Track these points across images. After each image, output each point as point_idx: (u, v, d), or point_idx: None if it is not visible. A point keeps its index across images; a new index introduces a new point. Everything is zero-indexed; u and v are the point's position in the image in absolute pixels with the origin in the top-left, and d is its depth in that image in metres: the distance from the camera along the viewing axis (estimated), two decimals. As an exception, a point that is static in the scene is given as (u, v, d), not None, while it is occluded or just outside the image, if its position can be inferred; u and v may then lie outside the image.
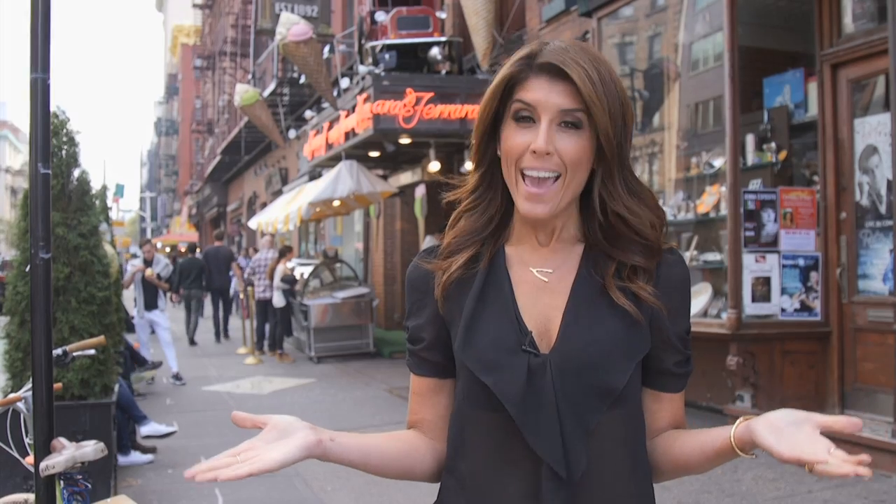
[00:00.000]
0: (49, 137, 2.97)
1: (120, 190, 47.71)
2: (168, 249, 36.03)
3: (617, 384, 1.47)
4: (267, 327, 15.06)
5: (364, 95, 11.55)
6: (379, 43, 12.30)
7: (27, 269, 3.56)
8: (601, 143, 1.45)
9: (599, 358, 1.45)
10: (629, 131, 1.49)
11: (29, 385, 3.31)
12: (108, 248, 7.40)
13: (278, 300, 14.41)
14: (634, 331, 1.49)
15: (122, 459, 6.86)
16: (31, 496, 3.44)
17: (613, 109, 1.44)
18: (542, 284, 1.53)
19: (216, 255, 18.16)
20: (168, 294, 13.13)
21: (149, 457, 7.17)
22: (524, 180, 1.46)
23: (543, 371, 1.44)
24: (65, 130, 5.72)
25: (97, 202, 6.91)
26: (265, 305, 14.92)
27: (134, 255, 14.02)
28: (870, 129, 6.72)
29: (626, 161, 1.50)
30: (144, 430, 7.62)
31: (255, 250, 21.19)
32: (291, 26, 12.21)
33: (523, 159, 1.45)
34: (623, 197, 1.50)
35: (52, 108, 3.10)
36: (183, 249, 22.62)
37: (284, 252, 14.86)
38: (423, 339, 1.59)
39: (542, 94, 1.44)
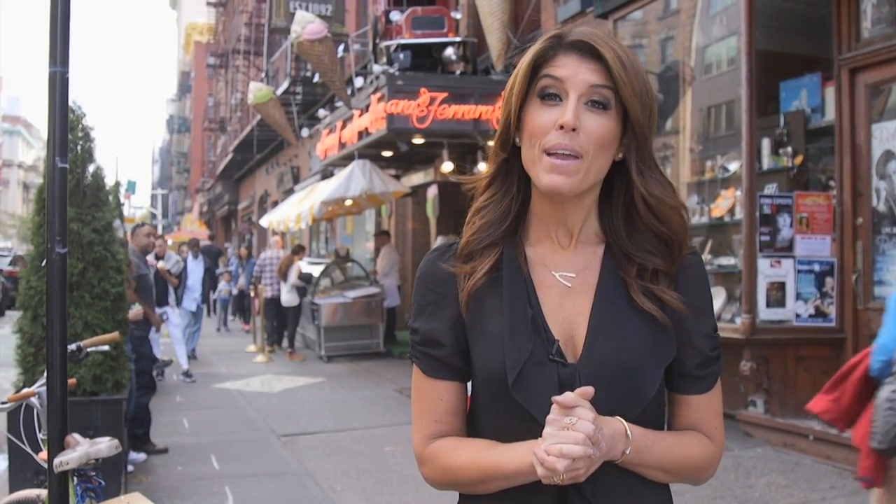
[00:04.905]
0: (67, 131, 2.96)
1: (132, 186, 47.68)
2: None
3: (648, 392, 1.44)
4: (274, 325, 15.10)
5: (378, 95, 11.53)
6: (393, 42, 12.27)
7: (42, 263, 3.56)
8: (629, 124, 1.44)
9: (629, 366, 1.43)
10: (654, 122, 1.48)
11: (43, 380, 3.30)
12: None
13: (290, 299, 14.40)
14: (661, 336, 1.47)
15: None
16: (44, 492, 3.43)
17: (643, 93, 1.43)
18: (565, 289, 1.50)
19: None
20: (177, 290, 13.07)
21: (142, 455, 7.14)
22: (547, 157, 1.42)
23: (573, 382, 1.40)
24: (81, 126, 5.72)
25: (111, 198, 6.91)
26: (274, 303, 14.97)
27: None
28: (887, 135, 6.67)
29: (651, 150, 1.49)
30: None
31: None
32: (306, 25, 12.20)
33: (548, 138, 1.41)
34: (654, 177, 1.48)
35: (69, 103, 3.08)
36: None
37: (297, 250, 14.85)
38: (442, 343, 1.53)
39: (571, 70, 1.42)
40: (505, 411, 1.46)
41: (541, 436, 1.35)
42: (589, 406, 1.33)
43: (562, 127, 1.40)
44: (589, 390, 1.34)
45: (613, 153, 1.46)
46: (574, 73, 1.42)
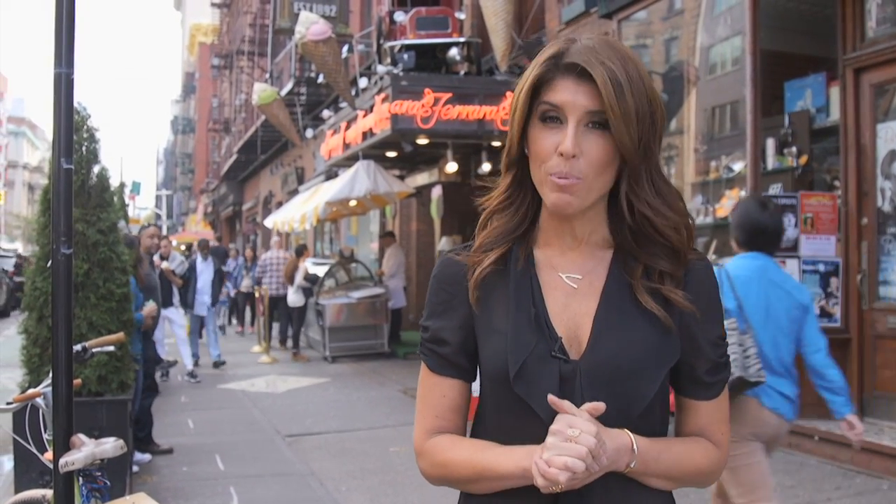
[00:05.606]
0: (72, 132, 2.97)
1: (136, 187, 47.83)
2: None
3: (648, 392, 1.45)
4: (275, 325, 15.11)
5: (382, 95, 11.53)
6: (398, 43, 12.28)
7: (48, 264, 3.57)
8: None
9: (631, 366, 1.43)
10: (658, 130, 1.46)
11: (48, 381, 3.31)
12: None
13: (295, 299, 14.40)
14: (665, 338, 1.47)
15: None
16: (49, 492, 3.43)
17: (641, 109, 1.41)
18: (571, 290, 1.51)
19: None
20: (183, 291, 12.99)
21: (147, 456, 7.15)
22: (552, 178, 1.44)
23: (574, 378, 1.42)
24: (86, 127, 5.73)
25: (116, 199, 6.93)
26: (276, 303, 14.96)
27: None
28: (892, 135, 6.66)
29: (654, 161, 1.47)
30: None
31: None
32: (311, 25, 12.20)
33: (550, 163, 1.43)
34: (648, 197, 1.47)
35: (74, 104, 3.09)
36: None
37: (300, 252, 14.86)
38: (449, 342, 1.56)
39: (568, 95, 1.42)
40: (507, 407, 1.48)
41: (542, 433, 1.36)
42: (589, 418, 1.34)
43: (562, 154, 1.41)
44: (600, 406, 1.35)
45: (616, 168, 1.46)
46: (572, 98, 1.42)
